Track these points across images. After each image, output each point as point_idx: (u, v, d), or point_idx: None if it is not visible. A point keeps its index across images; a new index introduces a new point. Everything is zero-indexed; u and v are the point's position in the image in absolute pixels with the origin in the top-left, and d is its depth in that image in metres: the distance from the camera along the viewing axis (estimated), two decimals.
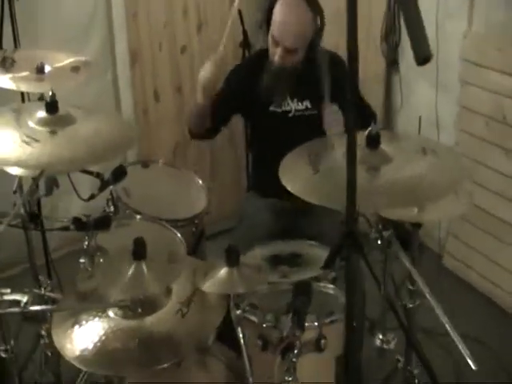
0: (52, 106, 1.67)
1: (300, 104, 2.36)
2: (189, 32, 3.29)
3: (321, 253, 2.04)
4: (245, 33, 3.11)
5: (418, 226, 1.93)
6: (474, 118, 2.87)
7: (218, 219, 2.97)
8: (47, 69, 2.19)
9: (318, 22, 2.26)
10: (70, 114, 1.73)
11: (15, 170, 1.91)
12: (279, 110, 2.37)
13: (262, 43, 3.31)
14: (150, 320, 1.69)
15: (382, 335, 1.63)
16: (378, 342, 1.62)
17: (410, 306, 1.97)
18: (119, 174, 2.22)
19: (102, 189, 2.31)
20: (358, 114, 2.32)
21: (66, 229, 2.04)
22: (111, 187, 2.31)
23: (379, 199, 1.44)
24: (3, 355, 1.76)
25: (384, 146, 1.50)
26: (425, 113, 2.72)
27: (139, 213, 2.27)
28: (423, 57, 1.01)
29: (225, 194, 3.50)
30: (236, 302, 1.67)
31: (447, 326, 1.32)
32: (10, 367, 1.79)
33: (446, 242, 3.11)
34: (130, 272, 1.63)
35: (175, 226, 2.18)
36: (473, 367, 1.24)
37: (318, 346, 1.64)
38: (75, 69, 2.25)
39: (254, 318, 1.72)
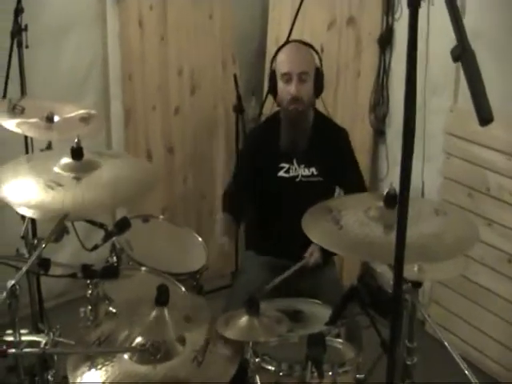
0: (77, 153, 1.70)
1: (307, 170, 2.46)
2: (182, 94, 3.38)
3: (320, 309, 2.10)
4: (239, 97, 3.22)
5: (418, 285, 2.00)
6: (458, 188, 3.00)
7: (215, 276, 3.00)
8: (56, 118, 2.25)
9: (318, 61, 2.44)
10: (95, 160, 1.76)
11: (36, 214, 1.90)
12: (287, 176, 2.46)
13: (253, 109, 3.46)
14: (165, 367, 1.68)
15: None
16: None
17: (409, 363, 2.01)
18: (123, 225, 2.22)
19: (105, 239, 2.31)
20: (358, 186, 2.49)
21: (73, 276, 2.01)
22: (114, 238, 2.34)
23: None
24: None
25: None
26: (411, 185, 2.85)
27: (143, 265, 2.29)
28: (487, 119, 1.06)
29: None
30: (254, 350, 1.68)
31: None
32: None
33: (429, 307, 3.18)
34: (152, 317, 1.62)
35: (177, 279, 2.24)
36: None
37: None
38: (84, 119, 2.30)
39: (270, 367, 1.72)
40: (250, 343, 1.68)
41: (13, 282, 1.66)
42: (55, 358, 1.82)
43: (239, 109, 3.24)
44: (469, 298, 3.01)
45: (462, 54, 1.02)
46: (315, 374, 1.55)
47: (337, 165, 2.46)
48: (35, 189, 1.62)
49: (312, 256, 2.38)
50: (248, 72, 3.46)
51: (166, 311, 1.63)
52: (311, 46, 2.45)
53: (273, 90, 2.44)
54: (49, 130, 2.21)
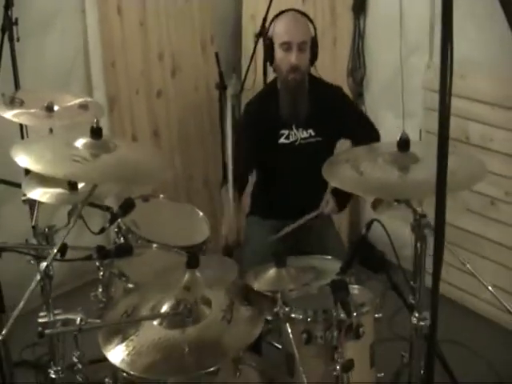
0: (97, 133, 1.77)
1: (305, 132, 2.56)
2: (164, 77, 3.44)
3: (330, 263, 2.21)
4: (221, 74, 3.28)
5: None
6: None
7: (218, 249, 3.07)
8: (55, 107, 2.31)
9: (313, 31, 2.53)
10: (112, 142, 1.84)
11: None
12: (287, 142, 2.57)
13: (234, 86, 3.52)
14: (196, 328, 1.77)
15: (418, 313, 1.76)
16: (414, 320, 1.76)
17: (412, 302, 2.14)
18: (128, 206, 2.29)
19: (112, 221, 2.39)
20: (369, 131, 2.60)
21: (88, 258, 2.07)
22: (119, 220, 2.42)
23: (410, 191, 1.64)
24: (53, 376, 1.80)
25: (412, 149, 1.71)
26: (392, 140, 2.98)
27: (152, 242, 2.37)
28: None
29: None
30: (284, 301, 1.78)
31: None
32: None
33: None
34: (185, 280, 1.71)
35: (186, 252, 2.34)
36: None
37: (357, 334, 1.78)
38: (83, 106, 2.37)
39: (297, 316, 1.84)
40: (279, 294, 1.79)
41: (45, 263, 1.74)
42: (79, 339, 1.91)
43: (222, 86, 3.30)
44: (457, 244, 3.16)
45: None
46: (342, 315, 1.65)
47: (336, 123, 2.56)
48: (63, 162, 1.69)
49: (328, 204, 2.49)
50: (226, 50, 3.52)
51: (197, 273, 1.71)
52: (307, 16, 2.55)
53: (270, 57, 2.52)
54: (50, 118, 2.28)
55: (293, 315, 1.82)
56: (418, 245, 1.68)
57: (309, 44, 2.49)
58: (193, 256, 1.72)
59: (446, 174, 1.28)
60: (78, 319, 1.75)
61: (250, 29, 3.53)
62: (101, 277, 2.33)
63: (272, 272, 1.78)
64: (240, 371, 1.89)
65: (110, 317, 1.94)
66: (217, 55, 3.22)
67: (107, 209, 2.39)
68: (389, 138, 3.10)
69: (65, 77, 3.16)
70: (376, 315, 1.88)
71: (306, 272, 1.82)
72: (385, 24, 3.24)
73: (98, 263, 2.32)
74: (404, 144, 1.71)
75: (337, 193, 2.52)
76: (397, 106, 3.22)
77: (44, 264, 1.72)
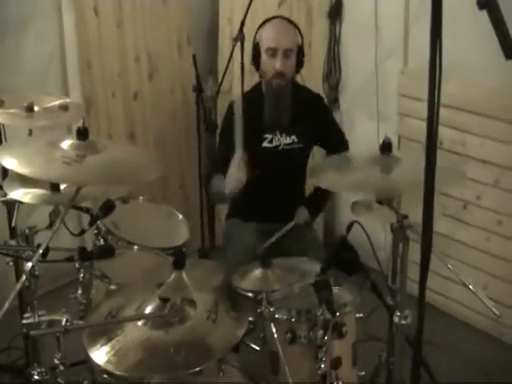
0: (83, 134, 1.77)
1: (288, 138, 2.61)
2: (140, 79, 3.43)
3: (310, 265, 2.20)
4: (198, 77, 3.30)
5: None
6: (412, 145, 3.20)
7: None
8: (36, 108, 2.29)
9: (300, 39, 2.57)
10: (98, 143, 1.83)
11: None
12: (271, 146, 2.60)
13: (211, 88, 3.54)
14: (181, 329, 1.78)
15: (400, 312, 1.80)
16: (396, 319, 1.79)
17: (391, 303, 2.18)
18: (108, 208, 2.29)
19: (92, 223, 2.39)
20: (342, 141, 2.67)
21: (70, 259, 2.06)
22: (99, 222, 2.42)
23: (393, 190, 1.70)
24: (37, 377, 1.78)
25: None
26: (367, 144, 3.04)
27: (133, 243, 2.38)
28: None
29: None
30: (268, 301, 1.81)
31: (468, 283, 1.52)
32: None
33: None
34: (171, 280, 1.72)
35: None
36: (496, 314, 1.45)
37: (340, 333, 1.81)
38: (63, 107, 2.36)
39: (280, 316, 1.87)
40: (264, 295, 1.81)
41: (30, 263, 1.73)
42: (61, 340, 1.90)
43: (199, 89, 3.32)
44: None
45: (487, 2, 1.19)
46: (327, 315, 1.68)
47: (316, 129, 2.64)
48: (53, 164, 1.68)
49: (300, 215, 2.56)
50: (202, 52, 3.53)
51: (184, 274, 1.73)
52: (295, 24, 2.59)
53: (255, 62, 2.57)
54: (30, 118, 2.27)
55: (277, 315, 1.85)
56: (400, 246, 1.72)
57: (295, 51, 2.53)
58: (180, 256, 1.73)
59: (434, 179, 1.33)
60: (64, 320, 1.74)
61: (226, 32, 3.55)
62: (81, 278, 2.32)
63: (258, 272, 1.81)
64: (223, 371, 1.91)
65: (94, 318, 1.95)
66: (194, 58, 3.23)
67: (87, 210, 2.39)
68: (364, 142, 3.20)
69: (41, 77, 3.13)
70: (357, 315, 1.92)
71: (291, 272, 1.85)
72: (360, 29, 3.30)
73: (77, 265, 2.31)
74: (387, 147, 1.76)
75: (310, 201, 2.61)
76: (372, 111, 3.28)
77: (29, 264, 1.70)
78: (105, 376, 2.24)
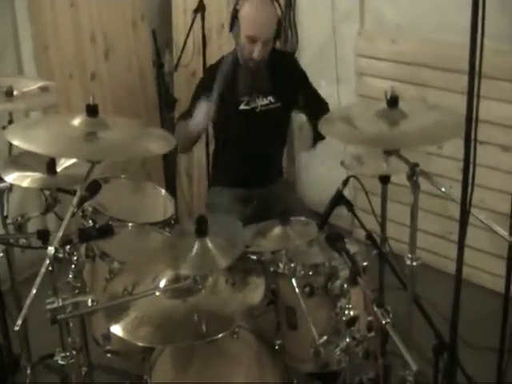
0: (93, 110, 1.76)
1: (264, 99, 2.64)
2: (97, 59, 3.38)
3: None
4: (158, 52, 3.27)
5: (386, 179, 2.25)
6: (372, 103, 3.30)
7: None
8: (15, 92, 2.24)
9: (279, 12, 2.57)
10: (107, 119, 1.84)
11: None
12: (248, 108, 2.62)
13: (169, 62, 3.52)
14: (201, 296, 1.83)
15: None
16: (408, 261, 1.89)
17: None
18: (94, 188, 2.27)
19: (79, 205, 2.37)
20: (319, 105, 2.71)
21: (69, 242, 2.04)
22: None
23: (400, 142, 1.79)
24: (62, 362, 1.78)
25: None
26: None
27: (126, 221, 2.37)
28: None
29: None
30: (289, 257, 1.88)
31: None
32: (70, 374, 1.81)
33: None
34: (195, 249, 1.75)
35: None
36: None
37: (354, 281, 1.89)
38: (44, 89, 2.31)
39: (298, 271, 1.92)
40: (284, 251, 1.88)
41: (53, 248, 1.70)
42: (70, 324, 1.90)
43: (159, 64, 3.29)
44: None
45: None
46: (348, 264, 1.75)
47: (291, 88, 2.66)
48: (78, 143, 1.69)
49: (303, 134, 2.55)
50: (157, 27, 3.49)
51: (208, 241, 1.76)
52: (275, 1, 2.55)
53: (233, 32, 2.54)
54: (11, 102, 2.21)
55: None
56: (413, 194, 1.79)
57: (273, 36, 2.53)
58: (201, 224, 1.75)
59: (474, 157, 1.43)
60: (89, 301, 1.75)
61: (179, 4, 3.52)
62: (75, 261, 2.29)
63: (278, 229, 1.88)
64: (237, 334, 1.97)
65: (108, 296, 1.96)
66: (154, 33, 3.20)
67: (74, 192, 2.36)
68: None
69: None
70: (364, 263, 2.00)
71: (309, 225, 1.93)
72: None
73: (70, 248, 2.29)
74: (393, 101, 1.83)
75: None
76: (330, 73, 3.37)
77: (52, 248, 1.68)
78: (108, 356, 2.27)
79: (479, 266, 3.17)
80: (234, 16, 2.51)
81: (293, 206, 2.64)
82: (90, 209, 2.42)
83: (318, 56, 3.41)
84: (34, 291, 1.62)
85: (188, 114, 2.57)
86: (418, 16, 3.01)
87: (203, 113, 2.42)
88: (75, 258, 2.27)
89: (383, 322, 1.53)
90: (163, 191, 2.69)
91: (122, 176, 2.69)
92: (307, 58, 3.49)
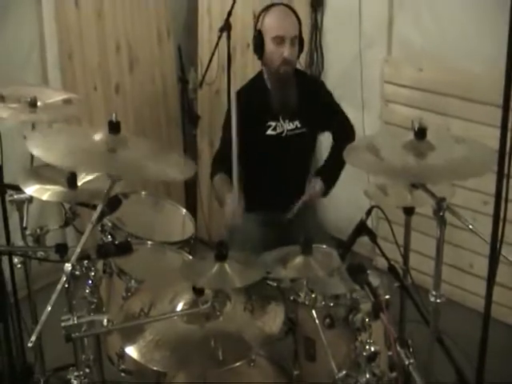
0: (115, 127, 1.73)
1: (291, 124, 2.61)
2: (121, 71, 3.37)
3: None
4: (182, 68, 3.26)
5: (411, 211, 2.19)
6: (398, 132, 3.26)
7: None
8: (39, 103, 2.22)
9: (299, 26, 2.56)
10: (128, 138, 1.81)
11: None
12: (274, 133, 2.59)
13: (193, 79, 3.51)
14: (218, 322, 1.78)
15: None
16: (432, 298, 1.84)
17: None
18: (115, 203, 2.24)
19: (99, 220, 2.33)
20: (347, 126, 2.68)
21: (87, 257, 2.01)
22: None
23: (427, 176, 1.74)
24: (75, 381, 1.74)
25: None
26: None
27: (141, 239, 2.34)
28: None
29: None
30: (310, 288, 1.83)
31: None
32: None
33: None
34: (214, 271, 1.72)
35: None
36: None
37: (376, 314, 1.84)
38: (67, 101, 2.29)
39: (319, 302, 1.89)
40: (305, 281, 1.83)
41: (70, 265, 1.67)
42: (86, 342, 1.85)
43: (184, 80, 3.29)
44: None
45: None
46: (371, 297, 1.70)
47: (319, 113, 2.64)
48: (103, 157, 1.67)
49: (315, 187, 2.60)
50: (182, 43, 3.48)
51: (226, 266, 1.72)
52: (294, 11, 2.57)
53: (259, 50, 2.54)
54: (34, 114, 2.18)
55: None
56: (439, 229, 1.75)
57: (298, 38, 2.54)
58: (222, 248, 1.72)
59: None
60: (105, 320, 1.71)
61: (205, 22, 3.52)
62: (92, 277, 2.26)
63: (299, 259, 1.84)
64: (254, 361, 1.92)
65: (124, 316, 1.91)
66: (179, 48, 3.21)
67: (94, 207, 2.32)
68: None
69: (20, 70, 3.02)
70: (386, 297, 1.96)
71: (331, 257, 1.88)
72: (343, 17, 3.34)
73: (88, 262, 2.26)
74: (421, 133, 1.79)
75: (323, 170, 2.65)
76: (355, 99, 3.33)
77: (69, 265, 1.65)
78: (122, 375, 2.23)
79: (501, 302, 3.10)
80: (258, 37, 2.51)
81: (315, 233, 2.59)
82: (109, 224, 2.40)
83: (343, 80, 3.37)
84: (49, 308, 1.59)
85: (223, 159, 2.53)
86: (445, 43, 2.98)
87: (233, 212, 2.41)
88: (92, 273, 2.25)
89: (406, 362, 1.48)
90: (184, 210, 2.66)
91: (143, 192, 2.67)
92: (332, 82, 3.46)
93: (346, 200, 3.46)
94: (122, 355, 2.12)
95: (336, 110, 2.75)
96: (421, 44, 3.12)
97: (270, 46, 2.50)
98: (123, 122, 3.34)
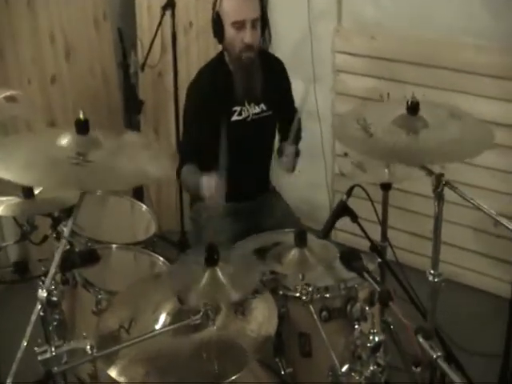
0: (83, 127, 1.53)
1: (257, 107, 2.46)
2: (57, 61, 3.12)
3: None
4: (124, 52, 3.06)
5: (388, 186, 2.16)
6: (350, 101, 3.19)
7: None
8: None
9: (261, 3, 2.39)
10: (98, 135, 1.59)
11: None
12: (240, 118, 2.43)
13: (134, 63, 3.30)
14: (207, 332, 1.62)
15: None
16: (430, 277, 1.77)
17: None
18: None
19: (55, 227, 2.16)
20: (291, 109, 2.54)
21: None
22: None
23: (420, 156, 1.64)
24: None
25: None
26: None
27: (102, 242, 2.17)
28: None
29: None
30: (307, 282, 1.73)
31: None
32: None
33: None
34: (205, 279, 1.58)
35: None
36: None
37: (372, 302, 1.79)
38: (11, 98, 2.09)
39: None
40: (300, 276, 1.73)
41: (45, 291, 1.49)
42: None
43: (126, 64, 3.09)
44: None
45: None
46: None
47: (281, 95, 2.53)
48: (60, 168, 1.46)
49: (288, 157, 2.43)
50: (122, 26, 3.25)
51: (218, 271, 1.58)
52: None
53: (218, 35, 2.35)
54: None
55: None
56: (437, 206, 1.66)
57: (259, 19, 2.37)
58: (213, 252, 1.57)
59: None
60: (88, 347, 1.53)
61: (144, 2, 3.30)
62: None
63: (294, 252, 1.73)
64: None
65: (103, 336, 1.74)
66: (120, 31, 3.00)
67: (48, 214, 2.14)
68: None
69: None
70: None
71: (328, 248, 1.78)
72: None
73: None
74: (414, 107, 1.67)
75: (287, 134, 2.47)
76: (306, 71, 3.22)
77: (44, 292, 1.48)
78: None
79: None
80: (217, 20, 2.33)
81: (284, 218, 2.50)
82: (67, 230, 2.20)
83: (293, 54, 3.24)
84: (25, 343, 1.43)
85: (192, 152, 2.40)
86: (397, 12, 2.91)
87: (213, 190, 2.25)
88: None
89: (434, 356, 1.38)
90: (144, 207, 2.50)
91: (98, 191, 2.47)
92: (282, 56, 3.33)
93: (304, 182, 3.38)
94: (95, 376, 1.92)
95: (290, 93, 2.63)
96: (372, 13, 3.03)
97: (229, 31, 2.31)
98: (62, 114, 3.19)
